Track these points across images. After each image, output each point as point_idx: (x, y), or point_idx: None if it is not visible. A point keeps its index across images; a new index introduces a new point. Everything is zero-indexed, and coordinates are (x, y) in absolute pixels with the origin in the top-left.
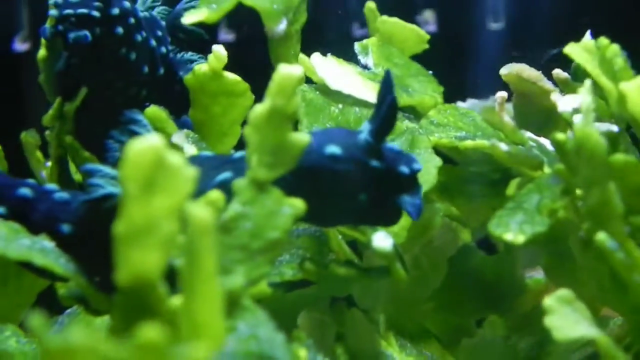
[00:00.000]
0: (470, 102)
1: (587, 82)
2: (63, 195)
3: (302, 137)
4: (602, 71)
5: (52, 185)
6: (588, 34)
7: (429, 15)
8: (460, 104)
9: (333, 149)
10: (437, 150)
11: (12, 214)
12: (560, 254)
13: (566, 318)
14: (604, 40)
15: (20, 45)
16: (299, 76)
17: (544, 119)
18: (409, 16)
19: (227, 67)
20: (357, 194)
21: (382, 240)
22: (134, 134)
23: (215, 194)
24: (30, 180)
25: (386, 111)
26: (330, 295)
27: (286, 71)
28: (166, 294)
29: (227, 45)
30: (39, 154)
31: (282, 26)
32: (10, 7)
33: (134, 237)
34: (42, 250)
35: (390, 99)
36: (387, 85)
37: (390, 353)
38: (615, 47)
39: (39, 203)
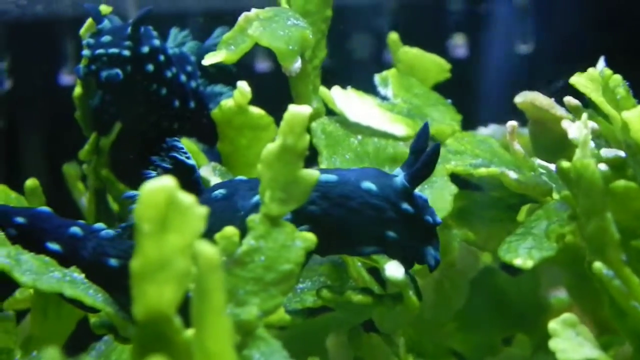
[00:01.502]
0: (492, 128)
1: (584, 115)
2: (109, 232)
3: (312, 173)
4: (606, 100)
5: (99, 224)
6: (602, 60)
7: (459, 39)
8: (482, 129)
9: (369, 185)
10: (460, 177)
11: (65, 252)
12: (582, 274)
13: (570, 341)
14: (607, 71)
15: (66, 79)
16: (307, 115)
17: (558, 145)
18: (441, 41)
19: (264, 96)
20: (385, 230)
21: (394, 269)
22: (174, 160)
23: (231, 230)
24: (80, 221)
25: (428, 161)
26: (358, 320)
27: (295, 111)
28: (181, 326)
29: (264, 75)
30: (80, 185)
31: (298, 65)
32: (56, 42)
33: (149, 273)
34: (72, 282)
35: (434, 149)
36: (423, 135)
37: None
38: (617, 77)
39: (88, 241)
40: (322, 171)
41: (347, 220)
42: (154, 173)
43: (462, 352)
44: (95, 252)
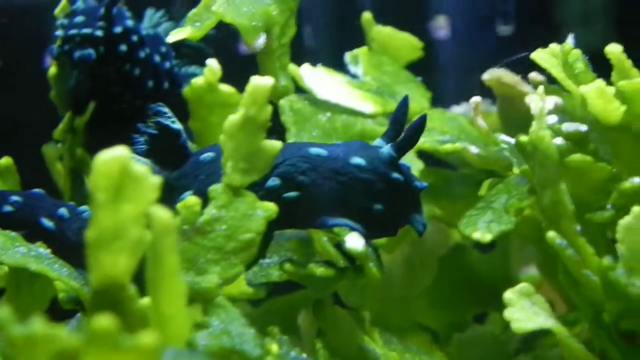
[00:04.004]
0: (464, 106)
1: (540, 89)
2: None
3: (274, 144)
4: (566, 75)
5: (84, 207)
6: (570, 37)
7: (441, 21)
8: (455, 107)
9: (358, 160)
10: (434, 155)
11: (56, 230)
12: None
13: (525, 311)
14: (567, 45)
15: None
16: (269, 87)
17: (525, 120)
18: (422, 22)
19: (246, 78)
20: (372, 203)
21: (354, 241)
22: (159, 125)
23: (192, 199)
24: (71, 203)
25: (414, 131)
26: (328, 294)
27: (257, 82)
28: (136, 294)
29: (249, 56)
30: (59, 165)
31: (261, 41)
32: (41, 24)
33: (104, 242)
34: (37, 257)
35: (421, 121)
36: (403, 108)
37: (373, 348)
38: (576, 52)
39: (73, 222)
40: (311, 145)
41: (335, 193)
42: (141, 139)
43: (432, 328)
44: (79, 233)
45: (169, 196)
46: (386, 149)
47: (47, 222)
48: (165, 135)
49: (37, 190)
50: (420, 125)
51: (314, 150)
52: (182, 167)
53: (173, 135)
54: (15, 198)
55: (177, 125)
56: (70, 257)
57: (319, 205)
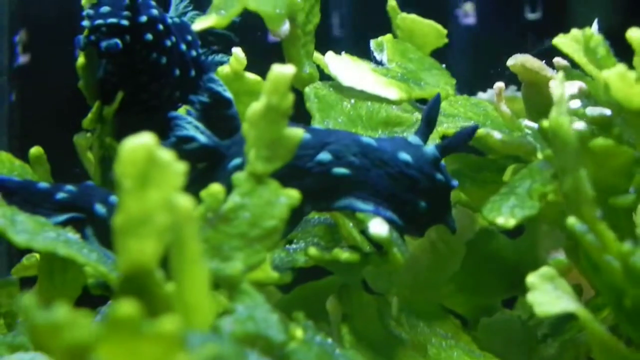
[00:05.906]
0: (490, 93)
1: (560, 74)
2: None
3: (296, 132)
4: (588, 60)
5: None
6: (595, 23)
7: (468, 8)
8: (480, 94)
9: (405, 156)
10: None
11: (108, 217)
12: None
13: (548, 294)
14: (588, 31)
15: None
16: (291, 75)
17: (550, 106)
18: (449, 9)
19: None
20: (418, 200)
21: (378, 226)
22: (210, 92)
23: (216, 187)
24: None
25: (463, 137)
26: (357, 280)
27: (279, 70)
28: (163, 280)
29: (278, 46)
30: (90, 154)
31: (285, 28)
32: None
33: (131, 228)
34: (66, 242)
35: (473, 128)
36: (435, 105)
37: (399, 333)
38: (597, 37)
39: None
40: (360, 136)
41: (383, 181)
42: (193, 112)
43: (461, 314)
44: None
45: (220, 163)
46: (431, 149)
47: (101, 209)
48: (216, 102)
49: (90, 182)
50: (469, 134)
51: (365, 139)
52: (233, 136)
53: (224, 104)
54: (69, 187)
55: (229, 95)
56: None
57: (365, 188)
